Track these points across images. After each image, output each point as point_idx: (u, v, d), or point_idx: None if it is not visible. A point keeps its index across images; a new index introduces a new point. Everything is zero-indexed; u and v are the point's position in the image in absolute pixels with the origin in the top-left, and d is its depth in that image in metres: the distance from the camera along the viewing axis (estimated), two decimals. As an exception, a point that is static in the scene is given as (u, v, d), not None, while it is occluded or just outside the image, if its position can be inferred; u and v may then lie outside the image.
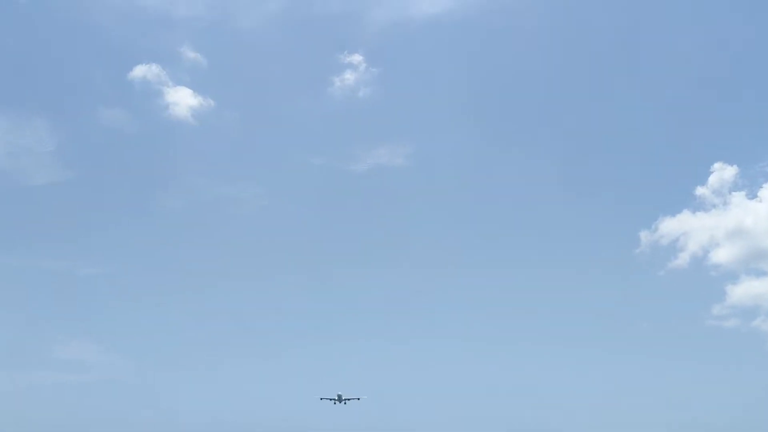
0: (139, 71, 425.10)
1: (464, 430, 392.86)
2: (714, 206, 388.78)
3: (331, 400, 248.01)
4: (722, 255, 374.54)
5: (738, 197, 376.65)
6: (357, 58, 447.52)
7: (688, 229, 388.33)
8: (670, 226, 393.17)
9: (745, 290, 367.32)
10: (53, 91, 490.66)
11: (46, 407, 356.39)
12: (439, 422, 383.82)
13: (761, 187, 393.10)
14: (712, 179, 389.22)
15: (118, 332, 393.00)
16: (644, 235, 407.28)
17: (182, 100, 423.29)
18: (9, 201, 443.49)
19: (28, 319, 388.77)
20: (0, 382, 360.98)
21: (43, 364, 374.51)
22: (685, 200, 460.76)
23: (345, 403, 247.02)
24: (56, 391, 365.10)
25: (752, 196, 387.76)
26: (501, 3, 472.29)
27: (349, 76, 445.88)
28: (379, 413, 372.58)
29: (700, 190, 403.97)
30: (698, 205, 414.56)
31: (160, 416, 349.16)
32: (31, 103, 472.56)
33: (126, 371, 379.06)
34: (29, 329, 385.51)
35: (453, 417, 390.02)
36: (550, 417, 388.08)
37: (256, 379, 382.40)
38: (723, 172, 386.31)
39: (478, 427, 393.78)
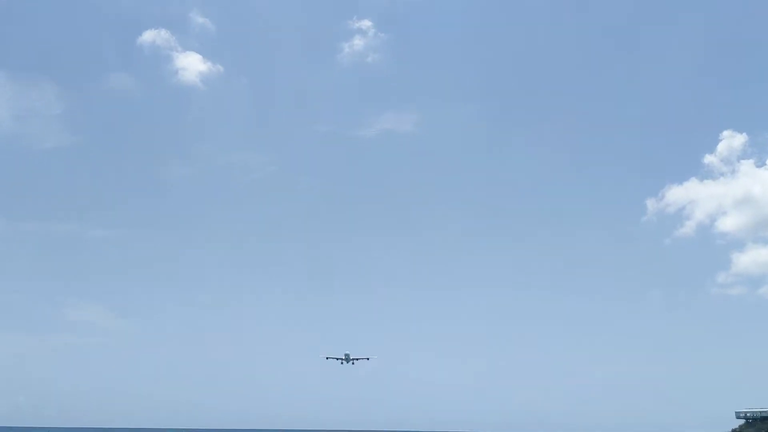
0: (148, 36, 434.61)
1: (471, 389, 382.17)
2: (722, 174, 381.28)
3: (337, 359, 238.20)
4: (729, 223, 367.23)
5: (746, 165, 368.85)
6: (366, 23, 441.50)
7: (695, 197, 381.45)
8: (677, 194, 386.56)
9: (751, 258, 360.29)
10: (60, 54, 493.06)
11: (58, 368, 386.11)
12: (450, 384, 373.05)
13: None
14: (721, 147, 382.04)
15: (127, 296, 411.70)
16: (651, 203, 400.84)
17: (191, 65, 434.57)
18: (18, 165, 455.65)
19: (40, 282, 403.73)
20: (14, 344, 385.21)
21: (55, 326, 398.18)
22: (692, 168, 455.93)
23: (353, 363, 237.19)
24: (68, 352, 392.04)
25: (761, 164, 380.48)
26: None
27: (358, 42, 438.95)
28: (388, 374, 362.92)
29: (708, 158, 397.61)
30: (706, 173, 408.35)
31: (166, 378, 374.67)
32: (38, 66, 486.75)
33: (134, 334, 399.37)
34: (41, 293, 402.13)
35: (460, 379, 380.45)
36: (557, 380, 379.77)
37: (263, 342, 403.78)
38: (732, 140, 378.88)
39: (487, 385, 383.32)
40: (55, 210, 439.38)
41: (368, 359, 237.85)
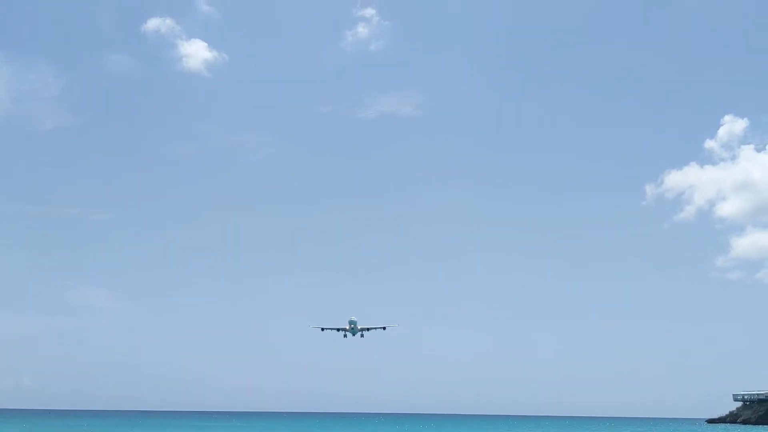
0: (153, 24, 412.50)
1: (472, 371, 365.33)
2: (722, 159, 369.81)
3: (339, 330, 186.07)
4: (728, 208, 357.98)
5: (747, 150, 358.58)
6: (370, 11, 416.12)
7: (694, 182, 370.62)
8: (676, 179, 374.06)
9: (750, 242, 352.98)
10: (60, 37, 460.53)
11: (61, 350, 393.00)
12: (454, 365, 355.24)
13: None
14: (722, 132, 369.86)
15: (127, 277, 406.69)
16: (650, 189, 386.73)
17: (196, 52, 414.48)
18: (18, 146, 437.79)
19: (41, 264, 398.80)
20: (16, 325, 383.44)
21: (58, 309, 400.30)
22: (693, 153, 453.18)
23: (362, 335, 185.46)
24: (67, 334, 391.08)
25: (761, 148, 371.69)
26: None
27: (362, 30, 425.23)
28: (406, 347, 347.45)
29: (709, 144, 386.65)
30: (706, 158, 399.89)
31: (167, 360, 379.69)
32: (36, 47, 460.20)
33: (133, 315, 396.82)
34: (42, 274, 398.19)
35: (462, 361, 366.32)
36: (555, 364, 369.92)
37: (264, 322, 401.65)
38: (733, 125, 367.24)
39: (485, 369, 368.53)
40: (55, 192, 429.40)
41: (384, 329, 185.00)
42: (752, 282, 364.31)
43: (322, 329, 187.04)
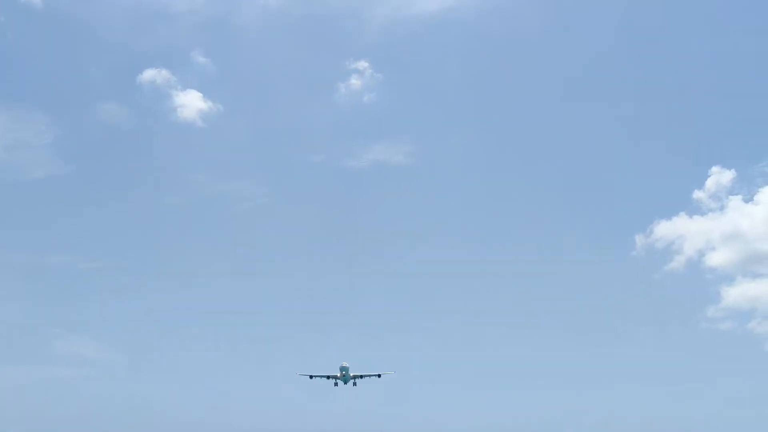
0: (148, 75, 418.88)
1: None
2: (711, 210, 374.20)
3: (329, 378, 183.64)
4: (718, 258, 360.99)
5: (735, 201, 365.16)
6: (363, 64, 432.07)
7: (684, 232, 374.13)
8: (665, 229, 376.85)
9: (740, 292, 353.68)
10: (55, 86, 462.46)
11: (46, 401, 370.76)
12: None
13: (758, 191, 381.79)
14: (710, 183, 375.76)
15: (116, 327, 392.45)
16: (639, 239, 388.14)
17: (191, 103, 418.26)
18: (8, 195, 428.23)
19: (30, 313, 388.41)
20: (1, 375, 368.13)
21: (44, 358, 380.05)
22: (681, 204, 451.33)
23: (355, 384, 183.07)
24: (55, 385, 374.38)
25: (749, 199, 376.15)
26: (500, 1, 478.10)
27: (355, 82, 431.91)
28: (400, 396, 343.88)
29: (697, 194, 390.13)
30: (695, 209, 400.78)
31: (154, 410, 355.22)
32: (29, 96, 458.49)
33: (122, 366, 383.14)
34: (31, 324, 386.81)
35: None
36: (546, 415, 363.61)
37: (257, 374, 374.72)
38: (721, 176, 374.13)
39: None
40: (46, 241, 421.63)
41: (379, 376, 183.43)
42: (743, 332, 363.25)
43: (311, 377, 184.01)
